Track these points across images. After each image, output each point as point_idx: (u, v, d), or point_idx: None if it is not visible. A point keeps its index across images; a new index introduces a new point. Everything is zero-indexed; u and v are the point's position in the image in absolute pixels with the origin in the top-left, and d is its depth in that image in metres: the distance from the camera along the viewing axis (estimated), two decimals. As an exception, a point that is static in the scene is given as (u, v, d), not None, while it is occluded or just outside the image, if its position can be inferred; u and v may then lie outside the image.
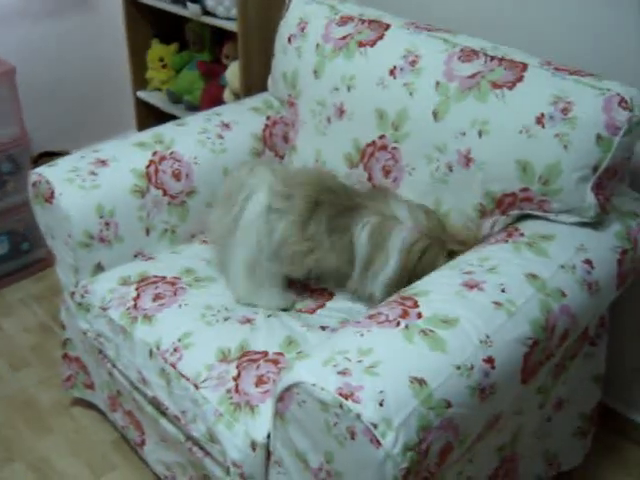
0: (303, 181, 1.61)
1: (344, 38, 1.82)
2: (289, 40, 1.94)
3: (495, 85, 1.57)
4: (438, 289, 1.37)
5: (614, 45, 1.68)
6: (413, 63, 1.69)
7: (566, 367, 1.63)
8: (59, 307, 1.94)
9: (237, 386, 1.43)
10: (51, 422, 2.05)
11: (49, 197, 1.72)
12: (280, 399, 1.22)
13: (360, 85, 1.78)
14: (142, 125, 2.83)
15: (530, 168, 1.52)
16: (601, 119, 1.45)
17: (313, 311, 1.67)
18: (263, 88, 2.20)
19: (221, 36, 2.56)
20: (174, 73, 2.73)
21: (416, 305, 1.31)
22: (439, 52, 1.67)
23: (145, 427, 1.74)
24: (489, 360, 1.25)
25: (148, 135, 1.90)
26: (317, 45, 1.87)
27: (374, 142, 1.76)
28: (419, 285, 1.40)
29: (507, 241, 1.50)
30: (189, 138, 1.92)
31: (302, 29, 1.91)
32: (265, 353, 1.50)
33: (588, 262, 1.47)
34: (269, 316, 1.62)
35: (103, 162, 1.80)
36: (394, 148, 1.72)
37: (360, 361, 1.18)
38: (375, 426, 1.09)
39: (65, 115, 3.01)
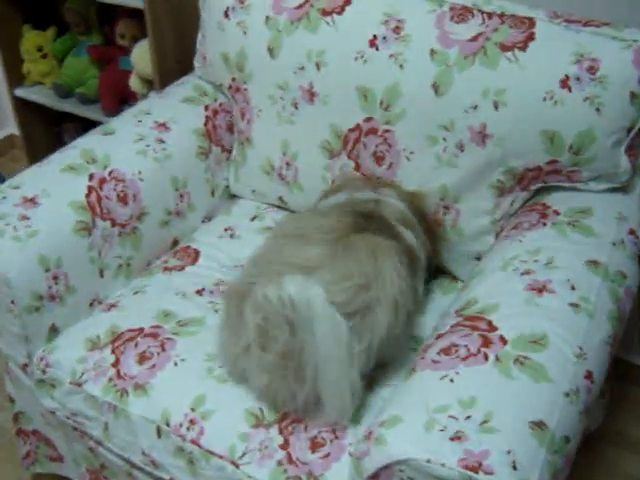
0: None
1: (301, 7, 1.57)
2: (226, 14, 1.65)
3: (504, 47, 1.39)
4: (505, 300, 1.22)
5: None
6: (397, 30, 1.47)
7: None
8: None
9: (289, 456, 1.22)
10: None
11: (-24, 258, 1.38)
12: (374, 477, 1.03)
13: (333, 61, 1.54)
14: (26, 128, 2.45)
15: (559, 138, 1.38)
16: (633, 74, 1.33)
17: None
18: (180, 71, 1.91)
19: (108, 13, 2.20)
20: (57, 63, 2.34)
21: (492, 327, 1.16)
22: (425, 13, 1.47)
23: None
24: (589, 375, 1.14)
25: (74, 154, 1.58)
26: (267, 18, 1.59)
27: (359, 126, 1.54)
28: (480, 298, 1.23)
29: (545, 224, 1.37)
30: (126, 150, 1.61)
31: (241, 0, 1.62)
32: (305, 408, 1.28)
33: (632, 232, 1.39)
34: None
35: (32, 200, 1.46)
36: (386, 131, 1.51)
37: (469, 417, 1.02)
38: (516, 496, 0.94)
39: None
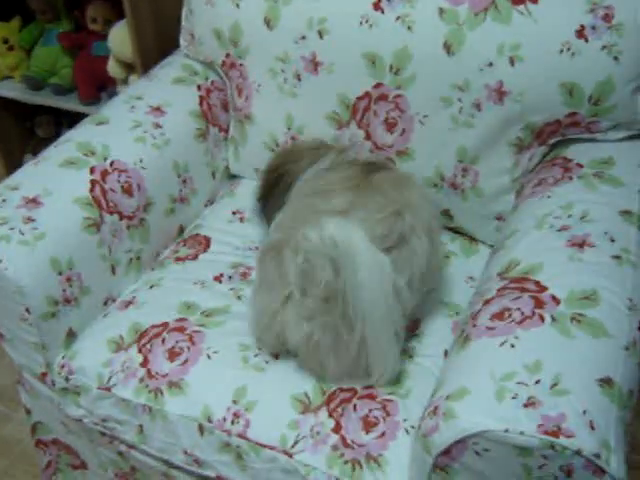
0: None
1: (298, -26, 1.50)
2: (215, -11, 1.57)
3: (515, 1, 1.36)
4: (548, 259, 1.20)
5: None
6: (402, -10, 1.42)
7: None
8: None
9: (343, 439, 1.19)
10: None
11: (-18, 268, 1.30)
12: (445, 452, 1.01)
13: (336, 29, 1.48)
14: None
15: (578, 90, 1.36)
16: (648, 20, 1.31)
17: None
18: (160, 51, 1.82)
19: (75, -3, 2.09)
20: (24, 54, 2.23)
21: (541, 287, 1.14)
22: (430, -29, 1.42)
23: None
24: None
25: (70, 148, 1.49)
26: (261, -11, 1.53)
27: (368, 93, 1.50)
28: (522, 259, 1.21)
29: (571, 178, 1.36)
30: (124, 139, 1.54)
31: (231, -27, 1.56)
32: (353, 389, 1.25)
33: (654, 178, 1.38)
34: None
35: (34, 201, 1.38)
36: (397, 96, 1.47)
37: (538, 382, 1.00)
38: (598, 456, 0.93)
39: None
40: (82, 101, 2.13)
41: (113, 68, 2.02)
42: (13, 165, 2.44)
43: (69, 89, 2.17)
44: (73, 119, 2.34)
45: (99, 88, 2.14)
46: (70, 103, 2.16)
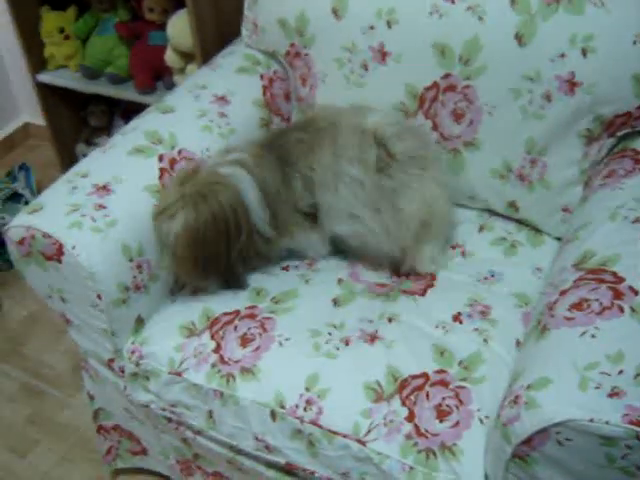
0: None
1: (368, -37, 1.52)
2: (281, -22, 1.60)
3: (588, -9, 1.36)
4: (624, 250, 1.22)
5: None
6: (473, -20, 1.43)
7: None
8: (36, 359, 1.55)
9: (417, 428, 1.21)
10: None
11: (55, 254, 1.33)
12: (526, 442, 1.03)
13: (405, 19, 1.50)
14: (51, 115, 2.38)
15: (650, 81, 1.36)
16: None
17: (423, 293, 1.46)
18: (220, 42, 1.85)
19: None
20: (80, 44, 2.26)
21: (619, 278, 1.15)
22: (502, -39, 1.43)
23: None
24: None
25: (138, 136, 1.52)
26: (329, -20, 1.55)
27: (436, 84, 1.51)
28: (597, 250, 1.22)
29: (646, 170, 1.36)
30: (190, 127, 1.57)
31: (298, -37, 1.58)
32: (425, 375, 1.27)
33: None
34: (390, 321, 1.38)
35: (104, 188, 1.41)
36: (466, 87, 1.48)
37: (621, 372, 1.02)
38: (682, 446, 0.95)
39: None
40: (138, 90, 2.16)
41: (171, 57, 2.04)
42: (66, 153, 2.49)
43: (125, 78, 2.20)
44: (125, 109, 2.39)
45: (155, 78, 2.17)
46: (126, 92, 2.19)
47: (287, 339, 1.35)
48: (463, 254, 1.55)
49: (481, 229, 1.60)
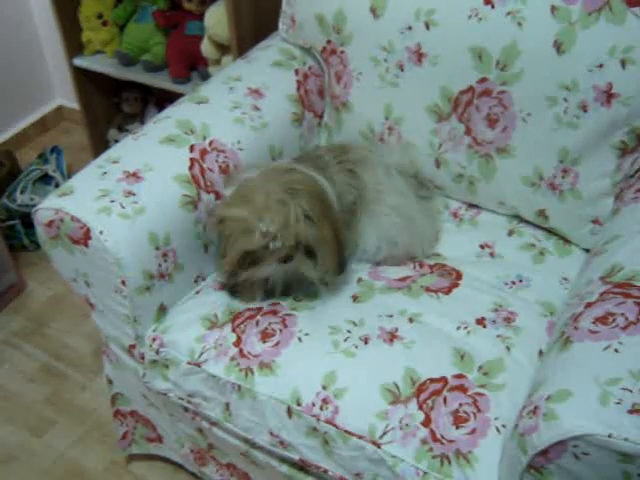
0: None
1: (409, -36, 1.52)
2: (319, -25, 1.60)
3: (630, 2, 1.35)
4: (652, 265, 1.20)
5: None
6: (514, -14, 1.43)
7: None
8: (58, 340, 1.57)
9: (433, 433, 1.21)
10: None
11: (82, 238, 1.35)
12: (543, 453, 1.03)
13: (444, 21, 1.50)
14: (85, 99, 2.41)
15: (688, 96, 1.35)
16: None
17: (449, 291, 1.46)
18: (257, 35, 1.86)
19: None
20: (117, 30, 2.29)
21: (646, 293, 1.14)
22: (544, -33, 1.42)
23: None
24: None
25: (170, 125, 1.54)
26: (368, -22, 1.55)
27: (471, 88, 1.51)
28: (626, 264, 1.22)
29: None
30: (223, 119, 1.58)
31: (340, -40, 1.58)
32: (443, 380, 1.27)
33: None
34: (411, 321, 1.38)
35: (134, 175, 1.43)
36: (502, 92, 1.48)
37: (644, 389, 1.00)
38: (702, 467, 0.94)
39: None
40: (172, 79, 2.17)
41: (207, 48, 2.06)
42: (98, 138, 2.51)
43: (160, 67, 2.22)
44: (159, 97, 2.41)
45: (190, 67, 2.19)
46: (161, 80, 2.20)
47: (307, 334, 1.36)
48: (492, 255, 1.55)
49: (510, 233, 1.60)
